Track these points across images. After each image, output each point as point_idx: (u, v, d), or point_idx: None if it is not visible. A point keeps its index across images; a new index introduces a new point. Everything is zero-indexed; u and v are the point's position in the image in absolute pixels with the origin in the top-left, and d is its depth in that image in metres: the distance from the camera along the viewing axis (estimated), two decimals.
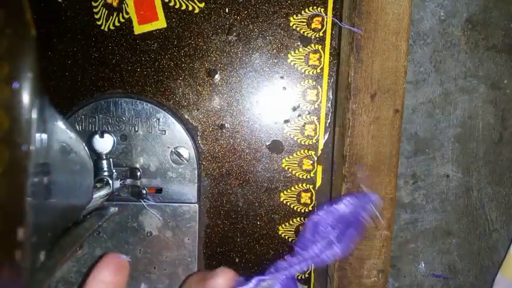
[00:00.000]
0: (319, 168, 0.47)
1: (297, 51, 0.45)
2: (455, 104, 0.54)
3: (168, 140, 0.45)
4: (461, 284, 0.58)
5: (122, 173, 0.44)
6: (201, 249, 0.47)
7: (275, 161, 0.47)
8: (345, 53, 0.45)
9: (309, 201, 0.47)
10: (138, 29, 0.45)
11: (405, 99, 0.44)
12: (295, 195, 0.47)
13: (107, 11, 0.45)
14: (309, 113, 0.46)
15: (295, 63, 0.45)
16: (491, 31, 0.53)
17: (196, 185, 0.45)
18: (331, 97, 0.46)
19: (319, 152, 0.47)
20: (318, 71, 0.45)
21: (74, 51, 0.45)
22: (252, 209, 0.47)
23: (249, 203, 0.47)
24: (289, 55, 0.45)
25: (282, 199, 0.47)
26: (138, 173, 0.44)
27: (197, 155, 0.45)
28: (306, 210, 0.48)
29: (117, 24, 0.45)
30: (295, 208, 0.48)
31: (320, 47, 0.45)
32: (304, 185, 0.47)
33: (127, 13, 0.45)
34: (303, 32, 0.45)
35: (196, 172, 0.45)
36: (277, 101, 0.46)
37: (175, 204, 0.45)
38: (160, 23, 0.45)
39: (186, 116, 0.46)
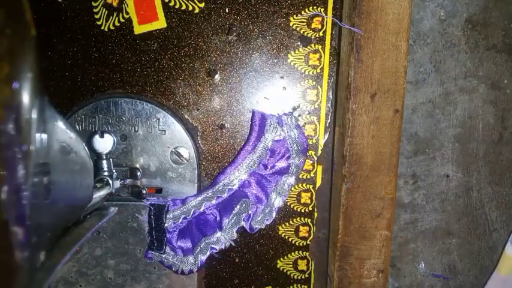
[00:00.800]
0: (319, 168, 0.47)
1: (297, 51, 0.45)
2: (455, 104, 0.54)
3: (168, 140, 0.45)
4: (461, 284, 0.58)
5: (121, 173, 0.44)
6: None
7: None
8: (345, 53, 0.45)
9: (309, 201, 0.47)
10: (138, 29, 0.45)
11: (405, 99, 0.44)
12: (295, 195, 0.47)
13: (107, 11, 0.45)
14: (309, 113, 0.46)
15: (295, 63, 0.45)
16: (491, 31, 0.53)
17: (196, 185, 0.45)
18: (331, 97, 0.46)
19: (319, 152, 0.47)
20: (318, 71, 0.45)
21: (74, 51, 0.45)
22: None
23: None
24: (289, 55, 0.45)
25: None
26: (138, 173, 0.44)
27: (197, 155, 0.45)
28: (306, 210, 0.48)
29: (117, 24, 0.45)
30: (295, 208, 0.48)
31: (320, 47, 0.45)
32: (304, 185, 0.47)
33: (127, 13, 0.45)
34: (303, 32, 0.45)
35: (196, 172, 0.45)
36: (277, 101, 0.46)
37: None
38: (160, 23, 0.45)
39: (186, 116, 0.46)
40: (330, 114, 0.47)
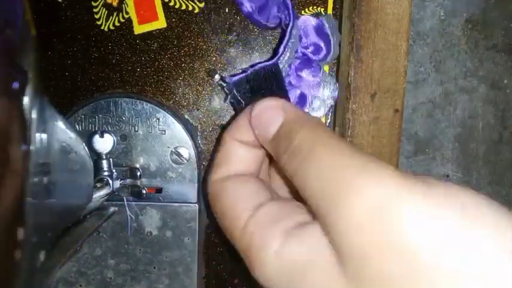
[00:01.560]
0: None
1: None
2: (455, 104, 0.54)
3: (168, 140, 0.45)
4: None
5: (121, 173, 0.44)
6: (201, 249, 0.47)
7: None
8: (344, 53, 0.45)
9: None
10: (138, 28, 0.45)
11: (405, 99, 0.44)
12: None
13: (106, 11, 0.45)
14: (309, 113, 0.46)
15: None
16: (491, 31, 0.53)
17: (196, 185, 0.45)
18: None
19: None
20: None
21: (74, 51, 0.45)
22: None
23: None
24: None
25: None
26: (138, 173, 0.44)
27: (197, 155, 0.45)
28: None
29: (117, 24, 0.45)
30: None
31: None
32: None
33: (127, 13, 0.45)
34: None
35: (196, 172, 0.45)
36: None
37: (175, 204, 0.45)
38: (160, 23, 0.45)
39: (186, 116, 0.46)
40: (330, 114, 0.47)
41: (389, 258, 0.16)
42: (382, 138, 0.44)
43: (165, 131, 0.45)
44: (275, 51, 0.40)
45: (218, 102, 0.46)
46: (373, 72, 0.43)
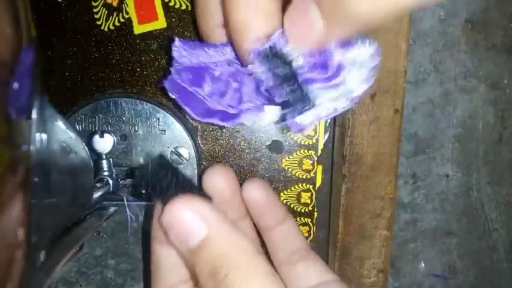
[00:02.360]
0: (319, 168, 0.47)
1: None
2: (455, 104, 0.54)
3: (168, 140, 0.45)
4: (461, 284, 0.58)
5: (122, 173, 0.44)
6: None
7: (275, 161, 0.47)
8: None
9: (309, 201, 0.47)
10: (138, 28, 0.45)
11: (405, 99, 0.44)
12: (295, 195, 0.47)
13: (106, 11, 0.45)
14: None
15: None
16: (491, 31, 0.53)
17: (196, 184, 0.45)
18: None
19: (319, 152, 0.47)
20: None
21: (74, 51, 0.45)
22: None
23: None
24: None
25: (281, 199, 0.47)
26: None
27: (197, 155, 0.45)
28: (306, 210, 0.48)
29: (117, 24, 0.45)
30: (295, 208, 0.48)
31: None
32: (304, 185, 0.47)
33: (127, 13, 0.45)
34: None
35: (196, 172, 0.45)
36: None
37: None
38: (160, 22, 0.45)
39: (186, 116, 0.46)
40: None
41: None
42: (382, 138, 0.44)
43: (165, 131, 0.45)
44: None
45: None
46: None
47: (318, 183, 0.48)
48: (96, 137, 0.42)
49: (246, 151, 0.47)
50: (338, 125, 0.46)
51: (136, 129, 0.45)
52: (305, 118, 0.29)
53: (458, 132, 0.54)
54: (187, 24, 0.45)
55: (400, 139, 0.44)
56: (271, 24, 0.23)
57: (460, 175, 0.55)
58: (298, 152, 0.47)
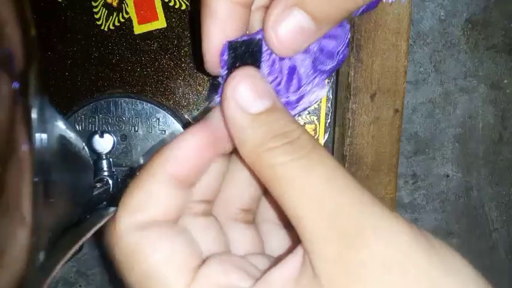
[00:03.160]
0: None
1: None
2: (455, 104, 0.54)
3: (168, 139, 0.45)
4: None
5: (122, 173, 0.44)
6: None
7: None
8: None
9: None
10: (138, 28, 0.45)
11: (405, 99, 0.44)
12: None
13: (106, 11, 0.45)
14: (309, 113, 0.46)
15: None
16: (491, 31, 0.53)
17: None
18: (331, 97, 0.46)
19: None
20: None
21: (74, 51, 0.45)
22: None
23: None
24: None
25: None
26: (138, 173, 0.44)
27: None
28: None
29: (117, 24, 0.45)
30: None
31: None
32: None
33: (127, 13, 0.45)
34: None
35: None
36: None
37: None
38: (160, 22, 0.45)
39: (186, 116, 0.46)
40: (330, 114, 0.47)
41: None
42: (382, 138, 0.44)
43: (165, 131, 0.45)
44: None
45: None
46: (373, 72, 0.43)
47: None
48: (96, 137, 0.42)
49: None
50: (338, 125, 0.46)
51: (136, 129, 0.45)
52: None
53: (458, 132, 0.54)
54: (187, 24, 0.45)
55: (400, 139, 0.44)
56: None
57: (460, 175, 0.55)
58: None
